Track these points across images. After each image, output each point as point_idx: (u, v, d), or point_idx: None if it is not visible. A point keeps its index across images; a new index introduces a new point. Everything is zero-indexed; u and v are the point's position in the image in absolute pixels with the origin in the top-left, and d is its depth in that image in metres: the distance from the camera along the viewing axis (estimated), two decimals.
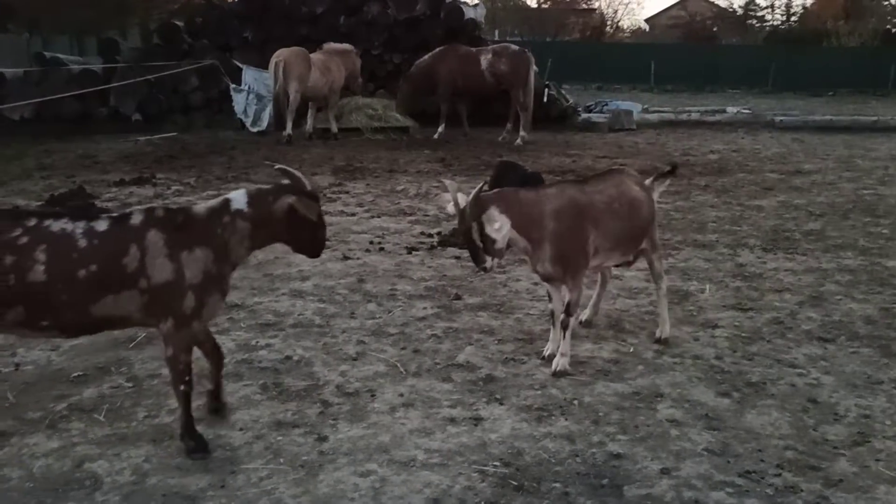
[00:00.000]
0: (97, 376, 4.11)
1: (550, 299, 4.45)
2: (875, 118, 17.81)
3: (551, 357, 4.36)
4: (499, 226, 3.91)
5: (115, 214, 3.34)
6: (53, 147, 12.41)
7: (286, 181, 3.49)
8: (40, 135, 13.31)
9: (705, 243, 7.05)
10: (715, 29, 47.61)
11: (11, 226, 3.09)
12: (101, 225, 3.19)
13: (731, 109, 19.37)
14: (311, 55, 12.95)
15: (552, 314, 4.44)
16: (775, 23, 47.34)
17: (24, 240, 3.06)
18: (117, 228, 3.19)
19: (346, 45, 13.68)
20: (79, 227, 3.15)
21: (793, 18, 46.66)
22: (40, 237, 3.08)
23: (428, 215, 8.07)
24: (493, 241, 3.95)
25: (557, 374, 4.21)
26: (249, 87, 14.41)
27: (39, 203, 8.00)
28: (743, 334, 4.86)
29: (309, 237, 3.53)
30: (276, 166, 3.63)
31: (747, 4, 48.07)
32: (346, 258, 6.39)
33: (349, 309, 5.24)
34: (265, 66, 13.36)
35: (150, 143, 13.06)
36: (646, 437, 3.57)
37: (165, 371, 4.15)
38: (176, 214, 3.29)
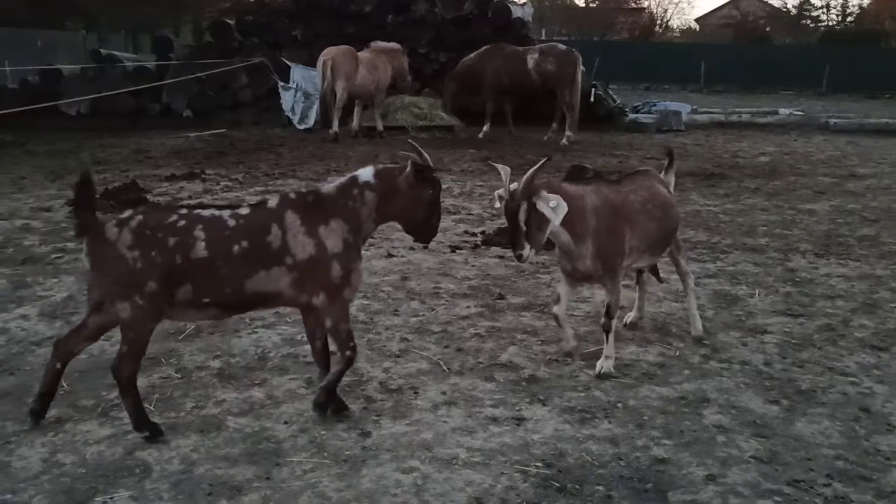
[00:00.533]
0: (148, 367, 4.19)
1: (558, 301, 4.36)
2: None
3: (568, 354, 4.40)
4: (555, 203, 3.80)
5: (252, 202, 3.60)
6: (108, 142, 12.74)
7: (413, 159, 3.58)
8: (96, 129, 13.69)
9: (755, 247, 6.92)
10: (768, 29, 46.66)
11: (168, 213, 3.36)
12: (244, 210, 3.46)
13: (783, 111, 18.98)
14: (359, 53, 13.05)
15: (556, 318, 4.37)
16: (830, 23, 46.21)
17: (183, 223, 3.31)
18: (258, 211, 3.45)
19: (393, 44, 13.75)
20: (225, 212, 3.42)
21: (849, 18, 45.49)
22: (195, 219, 3.33)
23: (472, 214, 8.07)
24: (545, 222, 3.86)
25: (601, 377, 4.17)
26: (297, 85, 14.58)
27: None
28: (793, 340, 4.76)
29: (424, 218, 3.66)
30: (409, 141, 3.78)
31: (801, 4, 47.04)
32: (389, 255, 6.42)
33: (393, 306, 5.27)
34: (313, 65, 13.50)
35: (199, 140, 13.31)
36: (691, 443, 3.52)
37: (213, 363, 4.26)
38: (306, 195, 3.51)
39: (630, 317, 4.99)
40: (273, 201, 3.49)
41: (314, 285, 3.41)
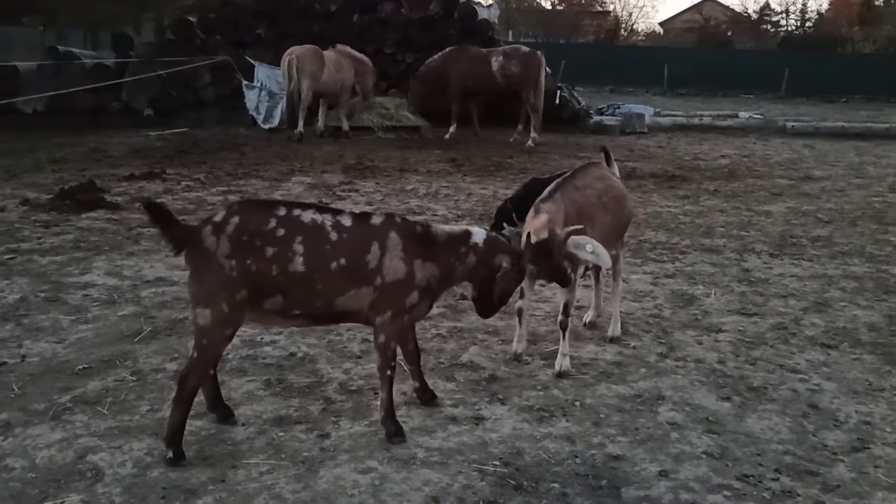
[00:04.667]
0: (102, 369, 4.14)
1: (522, 295, 4.42)
2: (888, 125, 17.72)
3: (518, 356, 4.43)
4: (591, 247, 3.86)
5: (356, 212, 3.49)
6: (66, 140, 12.49)
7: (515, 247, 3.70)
8: (53, 128, 13.39)
9: (713, 248, 7.04)
10: (729, 33, 47.44)
11: (266, 216, 3.23)
12: (346, 220, 3.36)
13: (743, 114, 19.32)
14: (324, 53, 12.99)
15: (519, 312, 4.44)
16: (790, 28, 47.16)
17: (282, 231, 3.21)
18: (360, 225, 3.35)
19: (363, 57, 13.68)
20: (327, 220, 3.31)
21: (808, 24, 46.49)
22: (296, 228, 3.23)
23: (437, 215, 8.08)
24: (583, 259, 3.93)
25: (560, 375, 4.22)
26: (262, 84, 14.46)
27: (49, 197, 8.06)
28: (746, 339, 4.85)
29: (494, 299, 3.64)
30: (533, 240, 3.83)
31: (762, 9, 47.96)
32: None
33: None
34: (278, 64, 13.39)
35: (161, 139, 13.12)
36: (645, 440, 3.58)
37: (169, 366, 4.22)
38: (414, 224, 3.47)
39: (588, 316, 5.06)
40: (377, 219, 3.42)
41: (387, 305, 3.38)
